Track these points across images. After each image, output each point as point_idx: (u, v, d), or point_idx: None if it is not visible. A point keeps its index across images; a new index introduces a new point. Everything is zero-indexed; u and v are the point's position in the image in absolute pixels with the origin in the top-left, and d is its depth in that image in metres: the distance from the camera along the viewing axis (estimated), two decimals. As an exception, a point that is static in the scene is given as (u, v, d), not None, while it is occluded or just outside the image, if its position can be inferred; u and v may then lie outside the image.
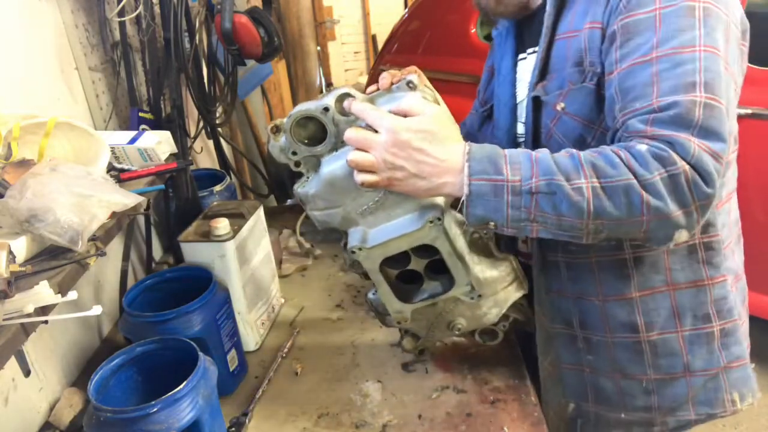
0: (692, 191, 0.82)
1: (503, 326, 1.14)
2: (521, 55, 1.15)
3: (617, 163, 0.83)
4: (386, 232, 0.98)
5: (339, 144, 0.96)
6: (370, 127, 0.90)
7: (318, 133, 0.96)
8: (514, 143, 1.15)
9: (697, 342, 1.04)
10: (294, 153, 0.97)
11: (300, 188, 0.99)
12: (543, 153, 0.87)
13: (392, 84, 0.97)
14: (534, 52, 1.08)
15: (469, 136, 1.37)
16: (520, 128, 1.14)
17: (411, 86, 0.94)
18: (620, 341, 1.07)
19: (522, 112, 1.12)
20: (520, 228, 0.86)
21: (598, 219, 0.83)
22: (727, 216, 1.05)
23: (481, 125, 1.30)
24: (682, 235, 0.85)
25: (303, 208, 1.02)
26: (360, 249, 0.98)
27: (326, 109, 0.93)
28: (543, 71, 1.03)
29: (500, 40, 1.20)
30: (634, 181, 0.81)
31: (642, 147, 0.83)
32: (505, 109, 1.15)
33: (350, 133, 0.89)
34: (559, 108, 0.99)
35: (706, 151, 0.82)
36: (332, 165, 0.95)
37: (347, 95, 0.94)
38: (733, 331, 1.06)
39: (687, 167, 0.81)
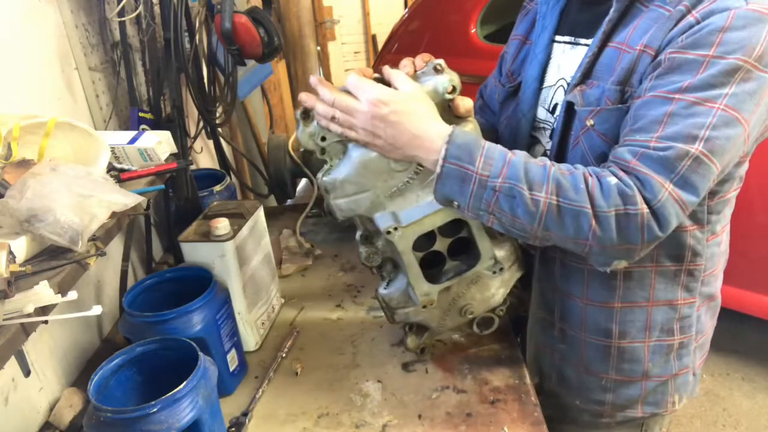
0: (643, 233, 0.86)
1: (501, 310, 1.17)
2: (559, 37, 1.11)
3: (581, 189, 0.87)
4: (419, 210, 1.00)
5: None
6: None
7: None
8: (532, 127, 1.14)
9: (658, 352, 1.11)
10: (323, 138, 0.98)
11: (326, 176, 1.00)
12: (518, 156, 0.91)
13: (416, 71, 1.00)
14: (585, 45, 1.05)
15: (483, 109, 1.36)
16: (541, 113, 1.12)
17: (438, 70, 0.96)
18: (592, 342, 1.13)
19: (546, 97, 1.11)
20: (478, 215, 0.93)
21: (546, 231, 0.89)
22: (717, 247, 1.08)
23: (505, 99, 1.24)
24: (620, 264, 0.92)
25: (325, 197, 1.02)
26: (395, 228, 0.99)
27: None
28: (586, 74, 1.00)
29: (544, 11, 1.15)
30: (590, 210, 0.86)
31: (612, 180, 0.87)
32: (529, 91, 1.13)
33: (348, 81, 0.95)
34: (588, 123, 0.98)
35: (675, 199, 0.85)
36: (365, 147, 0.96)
37: (378, 79, 0.97)
38: (688, 344, 1.13)
39: (646, 210, 0.85)
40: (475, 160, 0.90)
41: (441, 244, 1.07)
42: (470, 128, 0.99)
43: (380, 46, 4.14)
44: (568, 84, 1.04)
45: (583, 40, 1.06)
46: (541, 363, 1.25)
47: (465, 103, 0.99)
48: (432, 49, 3.03)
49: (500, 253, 1.08)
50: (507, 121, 1.21)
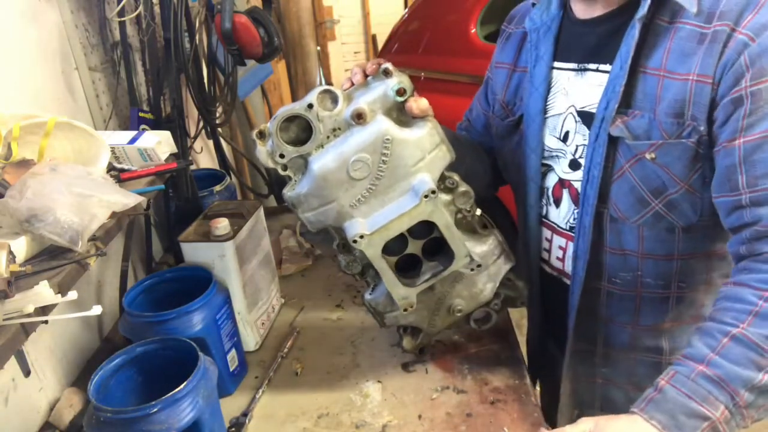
0: None
1: (495, 305, 1.16)
2: (560, 64, 1.07)
3: None
4: (384, 215, 0.99)
5: (325, 140, 0.97)
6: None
7: (300, 135, 0.98)
8: (541, 158, 1.10)
9: None
10: (281, 156, 0.97)
11: (290, 192, 0.99)
12: (720, 368, 0.81)
13: (367, 76, 0.98)
14: (601, 71, 0.99)
15: (469, 129, 1.31)
16: (551, 141, 1.08)
17: (387, 74, 0.95)
18: (642, 359, 1.11)
19: (556, 125, 1.07)
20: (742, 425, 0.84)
21: None
22: None
23: (505, 133, 1.19)
24: None
25: (294, 212, 1.02)
26: (362, 237, 0.98)
27: (310, 106, 0.95)
28: (625, 103, 0.94)
29: (535, 39, 1.10)
30: None
31: None
32: (534, 125, 1.09)
33: None
34: (648, 157, 0.93)
35: None
36: (323, 159, 0.96)
37: (328, 91, 0.96)
38: None
39: None
40: (704, 411, 0.80)
41: (413, 247, 1.07)
42: (429, 128, 0.97)
43: (380, 46, 4.14)
44: (601, 112, 0.98)
45: (593, 65, 1.01)
46: (581, 394, 1.20)
47: (419, 105, 0.96)
48: (432, 49, 3.04)
49: (482, 248, 1.07)
50: (512, 156, 1.17)
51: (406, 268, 1.10)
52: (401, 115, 0.98)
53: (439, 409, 1.11)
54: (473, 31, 2.83)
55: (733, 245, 0.90)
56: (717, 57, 0.85)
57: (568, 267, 1.13)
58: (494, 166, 1.27)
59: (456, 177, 1.02)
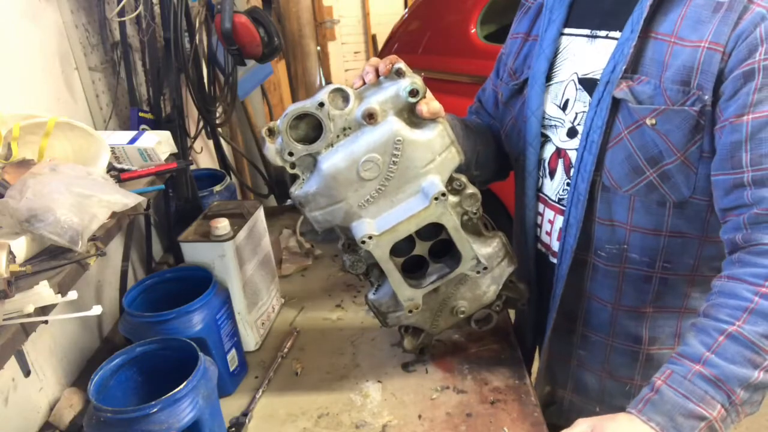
0: None
1: (497, 306, 1.16)
2: (571, 30, 1.06)
3: None
4: (393, 216, 0.99)
5: (335, 139, 0.96)
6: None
7: (310, 133, 0.97)
8: (541, 124, 1.10)
9: None
10: (290, 154, 0.97)
11: (298, 190, 0.99)
12: (716, 368, 0.81)
13: (379, 76, 0.98)
14: (611, 38, 0.98)
15: (479, 111, 1.32)
16: (551, 109, 1.08)
17: (400, 74, 0.95)
18: (620, 347, 1.10)
19: (557, 93, 1.07)
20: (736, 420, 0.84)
21: None
22: None
23: (509, 98, 1.19)
24: None
25: (301, 211, 1.02)
26: (370, 238, 0.98)
27: (321, 105, 0.94)
28: (631, 68, 0.93)
29: (551, 4, 1.09)
30: None
31: None
32: (537, 87, 1.08)
33: None
34: (648, 123, 0.92)
35: None
36: (333, 158, 0.96)
37: (340, 90, 0.95)
38: None
39: None
40: (701, 411, 0.80)
41: (421, 248, 1.06)
42: (440, 129, 0.97)
43: (380, 46, 4.14)
44: (606, 76, 0.96)
45: (604, 32, 1.00)
46: (555, 371, 1.22)
47: (430, 108, 0.96)
48: (432, 49, 3.04)
49: (487, 250, 1.06)
50: (513, 121, 1.17)
51: (411, 269, 1.09)
52: (412, 115, 0.97)
53: (439, 409, 1.11)
54: (473, 31, 2.83)
55: (728, 231, 0.88)
56: (732, 26, 0.84)
57: (554, 242, 1.13)
58: (503, 152, 1.26)
59: (464, 179, 1.02)
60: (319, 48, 5.02)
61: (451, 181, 1.01)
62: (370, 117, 0.94)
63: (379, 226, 0.99)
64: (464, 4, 2.90)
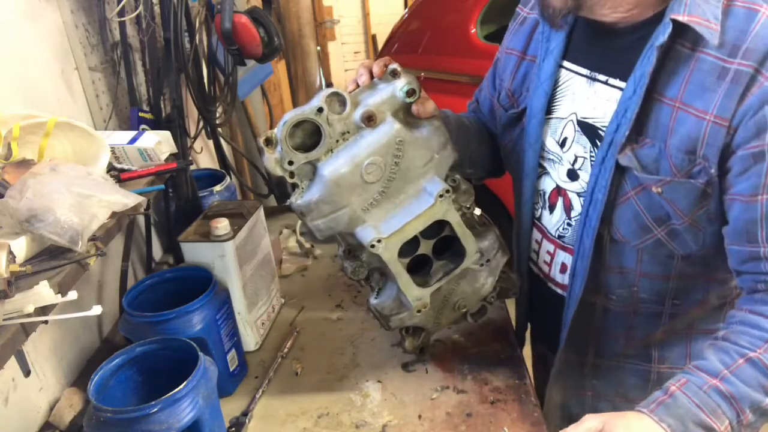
0: None
1: (491, 298, 1.16)
2: (569, 65, 1.02)
3: None
4: (399, 218, 0.99)
5: (334, 144, 0.96)
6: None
7: (306, 141, 0.97)
8: (539, 157, 1.09)
9: None
10: (290, 162, 0.96)
11: (299, 200, 0.98)
12: (732, 386, 0.83)
13: (373, 78, 0.98)
14: (612, 86, 0.95)
15: (477, 111, 1.29)
16: (550, 143, 1.06)
17: (395, 74, 0.95)
18: (631, 367, 1.11)
19: (556, 128, 1.05)
20: None
21: None
22: None
23: (507, 124, 1.16)
24: None
25: (302, 220, 1.00)
26: (378, 241, 0.97)
27: (320, 110, 0.94)
28: (636, 130, 0.90)
29: (548, 32, 1.04)
30: None
31: None
32: (535, 122, 1.07)
33: None
34: (654, 190, 0.91)
35: None
36: (335, 164, 0.95)
37: (336, 94, 0.95)
38: None
39: None
40: (711, 423, 0.82)
41: (425, 247, 1.06)
42: (436, 127, 0.97)
43: (380, 46, 4.14)
44: (609, 136, 0.94)
45: (603, 77, 0.97)
46: (569, 407, 1.20)
47: (426, 108, 0.95)
48: (432, 49, 3.04)
49: (484, 243, 1.07)
50: (512, 146, 1.15)
51: (413, 270, 1.09)
52: (408, 115, 0.97)
53: (439, 409, 1.11)
54: (473, 31, 2.83)
55: (748, 282, 0.91)
56: (737, 100, 0.81)
57: (555, 273, 1.14)
58: (498, 151, 1.25)
59: (457, 175, 1.02)
60: (319, 48, 5.02)
61: (447, 178, 1.01)
62: (370, 119, 0.94)
63: (385, 228, 0.99)
64: (464, 4, 2.90)
